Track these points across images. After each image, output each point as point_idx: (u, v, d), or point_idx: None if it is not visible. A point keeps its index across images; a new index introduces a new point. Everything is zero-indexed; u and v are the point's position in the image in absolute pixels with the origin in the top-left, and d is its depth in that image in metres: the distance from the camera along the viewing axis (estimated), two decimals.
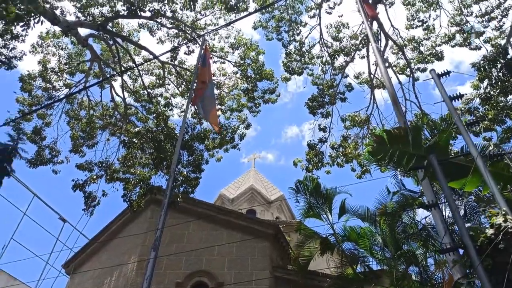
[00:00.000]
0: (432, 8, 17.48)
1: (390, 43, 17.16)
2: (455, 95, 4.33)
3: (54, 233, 15.35)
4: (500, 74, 12.32)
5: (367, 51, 16.87)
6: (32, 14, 6.49)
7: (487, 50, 15.67)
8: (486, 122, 14.38)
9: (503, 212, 3.67)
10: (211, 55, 16.46)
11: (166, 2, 12.41)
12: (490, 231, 3.60)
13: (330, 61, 17.59)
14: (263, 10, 17.14)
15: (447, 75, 4.45)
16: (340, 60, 17.62)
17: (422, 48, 17.44)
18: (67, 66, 15.44)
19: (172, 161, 7.88)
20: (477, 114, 14.55)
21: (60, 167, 14.35)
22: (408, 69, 16.66)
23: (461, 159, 4.45)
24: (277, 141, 67.44)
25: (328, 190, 11.43)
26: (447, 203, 4.50)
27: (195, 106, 9.35)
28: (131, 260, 12.40)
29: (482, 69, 13.11)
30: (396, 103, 5.37)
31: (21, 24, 6.56)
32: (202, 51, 9.46)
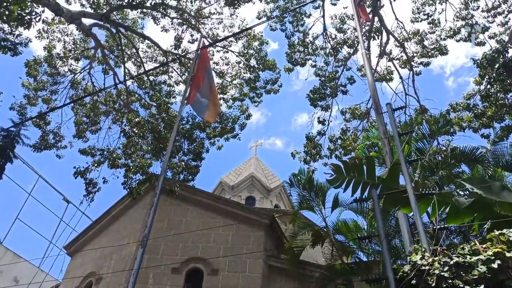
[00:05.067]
0: (438, 1, 17.31)
1: (392, 37, 17.12)
2: (404, 131, 4.54)
3: (58, 214, 15.87)
4: (499, 72, 12.36)
5: (369, 44, 16.85)
6: (34, 13, 6.70)
7: (491, 46, 15.61)
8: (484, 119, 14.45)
9: (423, 249, 3.80)
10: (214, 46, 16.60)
11: None
12: (407, 267, 3.73)
13: (333, 53, 17.62)
14: (268, 0, 17.18)
15: (401, 109, 4.65)
16: (344, 52, 17.66)
17: (426, 42, 17.38)
18: (72, 52, 15.68)
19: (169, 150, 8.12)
20: (476, 112, 14.59)
21: (63, 151, 14.73)
22: (409, 65, 16.65)
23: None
24: (287, 128, 67.62)
25: (321, 184, 11.67)
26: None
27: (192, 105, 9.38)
28: (130, 245, 12.86)
29: (481, 66, 13.17)
30: (378, 113, 5.56)
31: (24, 24, 6.77)
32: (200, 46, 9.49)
